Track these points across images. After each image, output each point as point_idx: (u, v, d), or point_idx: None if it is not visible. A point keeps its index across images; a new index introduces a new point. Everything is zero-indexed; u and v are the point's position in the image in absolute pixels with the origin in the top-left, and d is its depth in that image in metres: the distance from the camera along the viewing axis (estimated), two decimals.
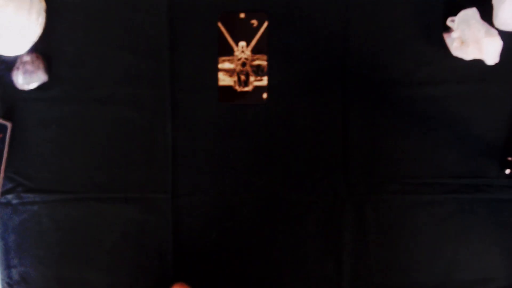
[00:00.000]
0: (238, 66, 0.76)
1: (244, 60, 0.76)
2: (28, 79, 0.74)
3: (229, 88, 0.76)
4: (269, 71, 0.76)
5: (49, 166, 0.77)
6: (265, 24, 0.75)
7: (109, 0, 0.76)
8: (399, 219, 0.76)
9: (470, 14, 0.70)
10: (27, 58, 0.75)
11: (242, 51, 0.76)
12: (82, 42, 0.77)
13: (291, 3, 0.76)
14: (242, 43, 0.76)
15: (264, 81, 0.76)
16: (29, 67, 0.74)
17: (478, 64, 0.72)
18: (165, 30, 0.76)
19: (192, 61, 0.76)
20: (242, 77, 0.76)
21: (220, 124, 0.76)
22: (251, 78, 0.76)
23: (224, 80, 0.76)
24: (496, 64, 0.70)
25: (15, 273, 0.77)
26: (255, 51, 0.76)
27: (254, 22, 0.76)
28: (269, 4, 0.76)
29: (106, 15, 0.76)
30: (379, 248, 0.76)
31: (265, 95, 0.76)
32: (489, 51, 0.69)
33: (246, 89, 0.76)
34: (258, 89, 0.76)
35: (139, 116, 0.76)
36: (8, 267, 0.77)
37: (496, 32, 0.70)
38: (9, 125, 0.76)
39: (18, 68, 0.75)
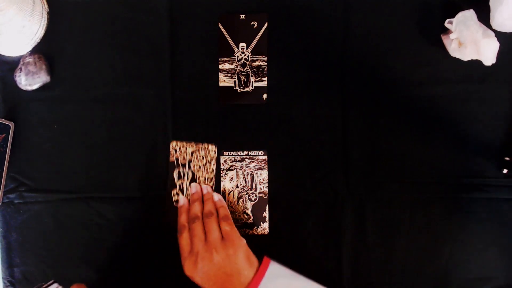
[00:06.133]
0: (238, 67, 0.76)
1: (244, 61, 0.76)
2: (30, 80, 0.75)
3: (229, 89, 0.76)
4: (269, 72, 0.76)
5: (50, 166, 0.77)
6: (265, 25, 0.76)
7: (110, 1, 0.77)
8: (399, 219, 0.76)
9: (468, 16, 0.70)
10: (29, 59, 0.75)
11: (242, 52, 0.76)
12: (83, 42, 0.77)
13: (291, 4, 0.76)
14: (242, 44, 0.76)
15: (264, 82, 0.76)
16: (31, 68, 0.75)
17: (476, 65, 0.72)
18: (165, 30, 0.76)
19: (192, 62, 0.77)
20: (242, 78, 0.76)
21: (220, 124, 0.77)
22: (251, 79, 0.76)
23: (224, 80, 0.76)
24: (494, 65, 0.71)
25: (17, 271, 0.77)
26: (255, 52, 0.76)
27: (254, 23, 0.76)
28: (269, 5, 0.76)
29: (107, 16, 0.77)
30: (379, 247, 0.76)
31: (265, 96, 0.76)
32: (486, 52, 0.70)
33: (246, 89, 0.76)
34: (258, 90, 0.76)
35: (139, 116, 0.77)
36: (10, 266, 0.77)
37: (493, 34, 0.70)
38: (11, 125, 0.76)
39: (20, 69, 0.75)
